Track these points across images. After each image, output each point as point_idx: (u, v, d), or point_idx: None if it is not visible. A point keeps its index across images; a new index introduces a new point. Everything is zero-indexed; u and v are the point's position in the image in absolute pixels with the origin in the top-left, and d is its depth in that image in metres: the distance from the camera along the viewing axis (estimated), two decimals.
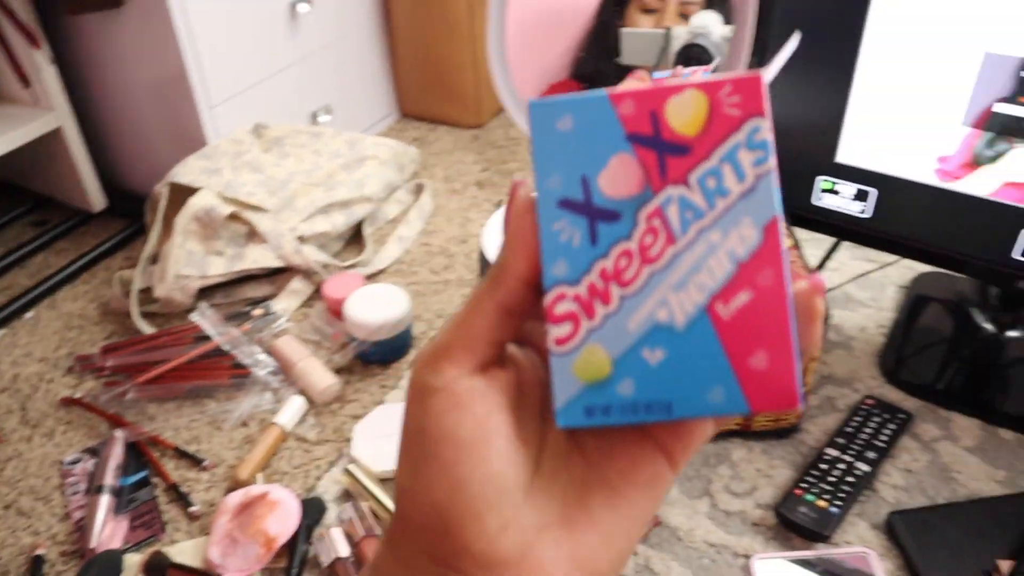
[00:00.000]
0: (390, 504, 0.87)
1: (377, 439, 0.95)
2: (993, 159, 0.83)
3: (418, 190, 1.37)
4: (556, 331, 0.28)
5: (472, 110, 1.55)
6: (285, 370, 1.06)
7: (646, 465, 0.29)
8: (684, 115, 0.27)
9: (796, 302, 0.27)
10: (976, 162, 0.84)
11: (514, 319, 0.29)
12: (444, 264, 1.23)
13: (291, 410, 1.00)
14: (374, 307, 1.04)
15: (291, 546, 0.84)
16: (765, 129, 0.27)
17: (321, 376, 1.03)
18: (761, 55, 0.91)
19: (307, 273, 1.19)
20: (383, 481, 0.92)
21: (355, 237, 1.31)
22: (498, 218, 0.93)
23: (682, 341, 0.27)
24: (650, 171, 0.27)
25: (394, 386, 1.04)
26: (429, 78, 1.56)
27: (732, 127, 0.27)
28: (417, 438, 0.28)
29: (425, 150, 1.51)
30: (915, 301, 1.10)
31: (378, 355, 1.06)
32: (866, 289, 1.14)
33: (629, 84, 0.28)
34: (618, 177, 0.27)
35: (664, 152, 0.27)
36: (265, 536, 0.85)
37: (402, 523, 0.29)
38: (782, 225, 0.26)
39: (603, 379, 0.27)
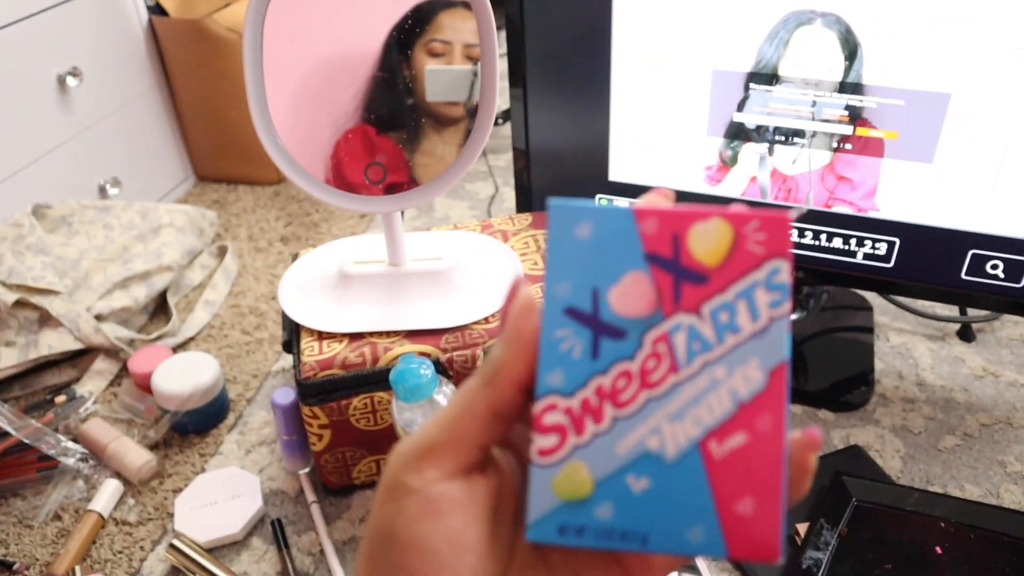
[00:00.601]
0: (221, 574, 0.85)
1: (200, 508, 0.93)
2: (734, 160, 0.93)
3: (221, 252, 1.36)
4: (541, 441, 0.27)
5: (269, 167, 1.54)
6: (97, 454, 1.02)
7: None
8: (706, 244, 0.27)
9: (790, 452, 0.26)
10: (727, 164, 0.94)
11: (502, 423, 0.28)
12: (255, 323, 1.22)
13: (106, 494, 0.96)
14: (182, 376, 1.02)
15: None
16: (786, 272, 0.26)
17: (136, 455, 1.00)
18: (523, 86, 0.98)
19: (111, 352, 1.15)
20: (211, 551, 0.90)
21: (162, 308, 1.27)
22: (294, 272, 0.95)
23: (669, 474, 0.26)
24: (663, 294, 0.27)
25: (214, 453, 1.02)
26: (221, 139, 1.55)
27: (753, 264, 0.26)
28: (385, 541, 0.26)
29: (226, 211, 1.50)
30: None
31: (194, 424, 1.04)
32: None
33: (651, 199, 0.29)
34: (630, 295, 0.27)
35: (681, 278, 0.27)
36: None
37: None
38: (788, 372, 0.26)
39: (582, 499, 0.27)
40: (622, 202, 1.01)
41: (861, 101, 0.85)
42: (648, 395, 0.27)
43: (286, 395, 0.91)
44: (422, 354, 0.83)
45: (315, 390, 0.84)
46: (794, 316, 1.13)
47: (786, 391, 0.26)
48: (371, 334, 0.86)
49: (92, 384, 1.12)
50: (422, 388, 0.75)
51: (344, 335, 0.86)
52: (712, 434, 0.26)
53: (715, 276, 0.27)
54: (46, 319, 1.13)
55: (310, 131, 0.81)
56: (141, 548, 0.93)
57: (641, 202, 0.29)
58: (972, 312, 1.13)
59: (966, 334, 1.12)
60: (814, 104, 0.87)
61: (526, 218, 1.02)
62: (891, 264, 0.94)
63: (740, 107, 0.89)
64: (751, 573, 0.83)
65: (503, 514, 0.29)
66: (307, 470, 0.97)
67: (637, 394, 0.27)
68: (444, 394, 0.79)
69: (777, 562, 0.27)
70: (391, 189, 0.85)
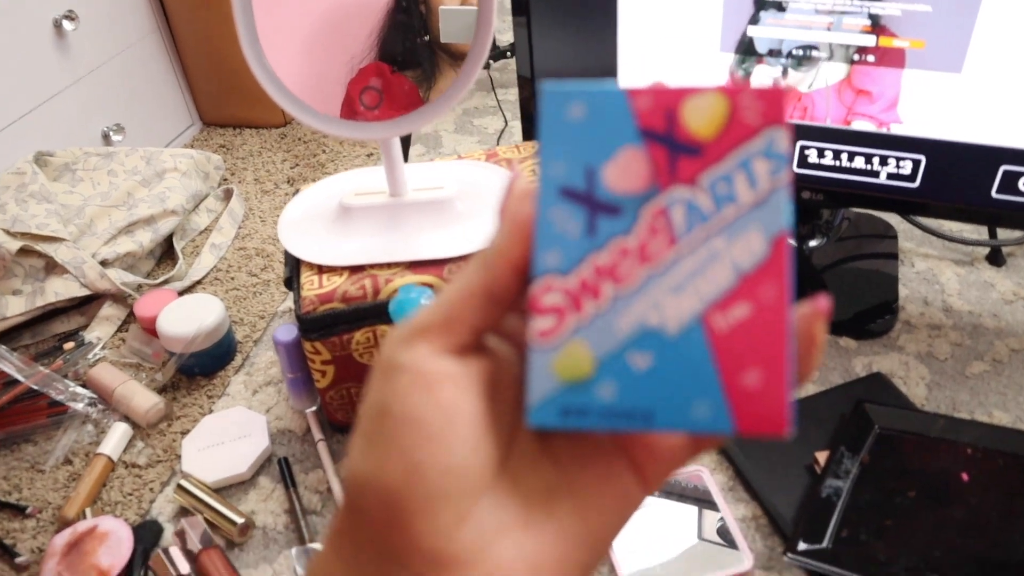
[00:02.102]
0: (228, 513, 0.84)
1: (207, 449, 0.92)
2: (746, 78, 0.88)
3: (227, 196, 1.33)
4: (540, 323, 0.26)
5: (274, 109, 1.51)
6: (105, 398, 1.01)
7: (618, 480, 0.27)
8: (702, 117, 0.26)
9: (796, 324, 0.26)
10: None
11: (498, 307, 0.27)
12: (262, 265, 1.20)
13: (115, 438, 0.96)
14: (186, 319, 1.00)
15: (128, 574, 0.81)
16: (784, 140, 0.25)
17: (144, 398, 0.99)
18: (527, 13, 0.93)
19: (117, 297, 1.14)
20: (218, 491, 0.89)
21: (168, 253, 1.26)
22: (293, 207, 0.92)
23: (672, 349, 0.25)
24: (659, 168, 0.26)
25: (221, 395, 1.01)
26: (225, 83, 1.51)
27: (750, 134, 0.26)
28: (377, 418, 0.26)
29: (232, 155, 1.47)
30: None
31: (200, 366, 1.02)
32: None
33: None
34: (625, 171, 0.26)
35: (676, 151, 0.26)
36: (97, 570, 0.81)
37: (348, 512, 0.26)
38: (790, 241, 0.25)
39: (583, 379, 0.26)
40: None
41: (884, 8, 0.80)
42: (647, 270, 0.26)
43: (288, 332, 0.89)
44: (425, 285, 0.80)
45: (316, 325, 0.81)
46: (814, 242, 1.09)
47: (789, 261, 0.25)
48: (372, 266, 0.83)
49: (100, 330, 1.11)
50: None
51: (344, 268, 0.83)
52: (714, 306, 0.25)
53: (711, 148, 0.26)
54: (52, 267, 1.12)
55: (326, 71, 0.78)
56: (151, 490, 0.92)
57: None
58: (1002, 235, 1.08)
59: (996, 258, 1.07)
60: (833, 12, 0.82)
61: (533, 146, 0.98)
62: (916, 184, 0.89)
63: (754, 20, 0.85)
64: (766, 501, 0.81)
65: (500, 399, 0.27)
66: (314, 408, 0.95)
67: (636, 270, 0.26)
68: None
69: (785, 436, 0.25)
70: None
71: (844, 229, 1.11)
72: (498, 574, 0.25)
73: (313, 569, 0.27)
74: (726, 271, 0.25)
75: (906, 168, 0.89)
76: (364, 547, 0.26)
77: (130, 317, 1.14)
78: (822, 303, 0.26)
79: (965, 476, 0.77)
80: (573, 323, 0.26)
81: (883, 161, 0.89)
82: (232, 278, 1.19)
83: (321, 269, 0.84)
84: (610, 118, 0.26)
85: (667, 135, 0.26)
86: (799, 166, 0.92)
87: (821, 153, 0.91)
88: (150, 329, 1.06)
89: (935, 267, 1.08)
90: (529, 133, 1.02)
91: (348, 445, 0.26)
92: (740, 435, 0.25)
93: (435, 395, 0.25)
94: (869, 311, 1.01)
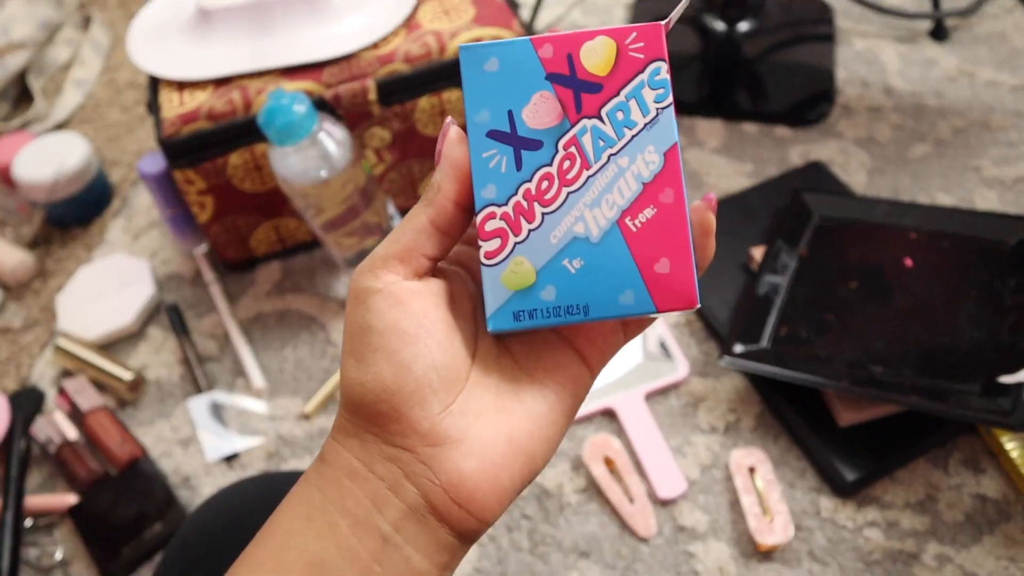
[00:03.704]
0: (114, 370, 0.76)
1: (87, 303, 0.82)
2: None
3: (87, 23, 1.16)
4: (486, 246, 0.31)
5: None
6: None
7: (568, 367, 0.32)
8: (596, 58, 0.31)
9: (693, 217, 0.31)
10: None
11: (446, 238, 0.31)
12: (135, 98, 1.06)
13: None
14: (45, 162, 0.87)
15: (7, 447, 0.73)
16: (665, 71, 0.31)
17: (7, 254, 0.87)
18: None
19: None
20: (105, 348, 0.80)
21: (25, 93, 1.10)
22: (144, 16, 0.78)
23: (597, 251, 0.30)
24: (567, 106, 0.31)
25: (99, 243, 0.90)
26: None
27: (637, 68, 0.31)
28: (361, 334, 0.30)
29: None
30: (639, 18, 1.04)
31: (72, 215, 0.91)
32: (592, 14, 1.08)
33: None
34: (540, 111, 0.31)
35: (579, 90, 0.31)
36: None
37: (351, 413, 0.31)
38: (679, 152, 0.31)
39: (528, 287, 0.31)
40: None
41: None
42: (568, 191, 0.31)
43: (154, 162, 0.77)
44: (302, 92, 0.69)
45: (182, 149, 0.70)
46: (744, 26, 0.99)
47: (680, 167, 0.30)
48: (240, 77, 0.71)
49: None
50: (295, 126, 0.62)
51: (208, 82, 0.71)
52: (626, 212, 0.30)
53: (607, 83, 0.31)
54: None
55: None
56: (29, 355, 0.83)
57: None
58: (946, 6, 0.99)
59: (939, 32, 0.98)
60: None
61: None
62: None
63: None
64: (711, 319, 0.75)
65: (460, 310, 0.32)
66: (203, 248, 0.85)
67: (559, 191, 0.31)
68: (328, 133, 0.66)
69: (695, 308, 0.31)
70: None
71: (775, 13, 1.01)
72: (480, 446, 0.30)
73: (324, 457, 0.31)
74: (632, 183, 0.31)
75: None
76: (368, 438, 0.30)
77: None
78: (710, 196, 0.32)
79: (909, 262, 0.72)
80: (514, 242, 0.31)
81: None
82: (102, 115, 1.05)
83: (181, 85, 0.72)
84: (521, 67, 0.31)
85: (571, 77, 0.31)
86: None
87: None
88: (8, 180, 0.93)
89: (875, 46, 0.99)
90: None
91: (341, 366, 0.31)
92: (660, 312, 0.30)
93: (408, 307, 0.30)
94: (805, 98, 0.93)
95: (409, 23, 0.74)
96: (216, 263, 0.85)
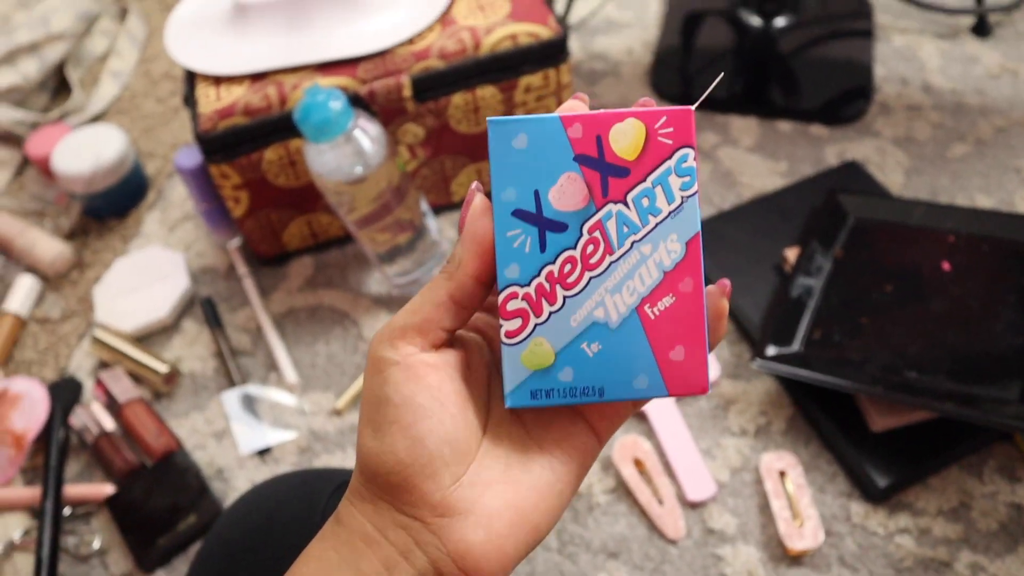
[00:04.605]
0: (150, 362, 0.77)
1: (123, 295, 0.83)
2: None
3: (123, 14, 1.18)
4: (507, 325, 0.31)
5: None
6: (5, 251, 0.91)
7: (577, 437, 0.33)
8: (625, 141, 0.31)
9: (707, 302, 0.32)
10: None
11: (465, 311, 0.32)
12: (171, 90, 1.07)
13: (22, 292, 0.87)
14: (83, 154, 0.88)
15: (47, 437, 0.74)
16: (692, 158, 0.31)
17: (47, 246, 0.89)
18: None
19: (8, 138, 1.01)
20: (140, 340, 0.81)
21: (65, 84, 1.12)
22: (182, 10, 0.79)
23: (615, 337, 0.31)
24: (594, 189, 0.31)
25: (135, 235, 0.91)
26: None
27: (665, 154, 0.31)
28: (379, 406, 0.31)
29: None
30: (674, 12, 1.03)
31: (110, 206, 0.92)
32: (627, 8, 1.07)
33: (571, 104, 0.32)
34: (567, 193, 0.31)
35: (607, 173, 0.31)
36: (12, 436, 0.74)
37: (367, 480, 0.32)
38: (701, 241, 0.31)
39: (547, 367, 0.31)
40: None
41: None
42: (591, 275, 0.31)
43: (191, 156, 0.78)
44: (338, 88, 0.69)
45: (218, 144, 0.71)
46: (781, 21, 0.97)
47: (700, 256, 0.31)
48: (275, 72, 0.72)
49: None
50: (331, 123, 0.63)
51: (244, 77, 0.72)
52: (646, 299, 0.31)
53: (635, 168, 0.31)
54: None
55: None
56: (67, 344, 0.84)
57: (565, 107, 0.32)
58: (989, 1, 0.97)
59: (981, 28, 0.96)
60: None
61: None
62: None
63: None
64: (732, 304, 0.74)
65: (475, 379, 0.33)
66: (237, 242, 0.86)
67: (582, 275, 0.31)
68: (364, 130, 0.66)
69: (706, 393, 0.32)
70: None
71: (813, 7, 1.00)
72: (488, 518, 0.31)
73: (340, 519, 0.33)
74: (653, 270, 0.31)
75: None
76: (382, 505, 0.32)
77: (27, 160, 1.02)
78: (724, 282, 0.32)
79: (947, 265, 0.71)
80: (535, 323, 0.31)
81: None
82: (139, 106, 1.06)
83: (218, 80, 0.72)
84: (549, 145, 0.31)
85: (599, 160, 0.31)
86: None
87: None
88: (47, 171, 0.95)
89: (914, 43, 0.97)
90: None
91: (357, 435, 0.32)
92: (671, 396, 0.31)
93: (424, 381, 0.31)
94: (842, 95, 0.92)
95: (444, 19, 0.74)
96: (249, 257, 0.85)
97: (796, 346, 0.69)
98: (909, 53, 0.96)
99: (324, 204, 0.79)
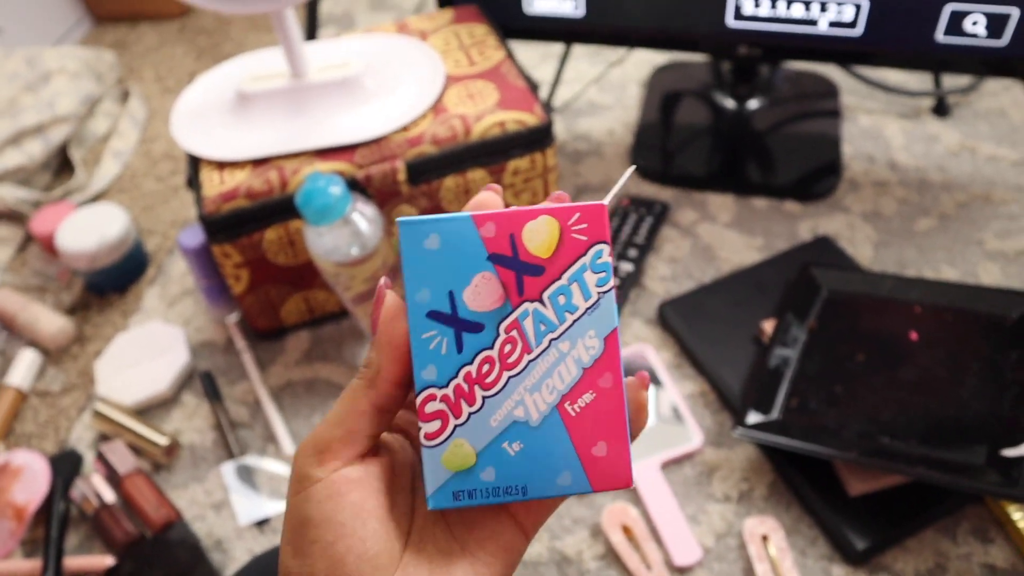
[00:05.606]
0: (150, 435, 0.79)
1: (124, 369, 0.85)
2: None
3: (125, 97, 1.22)
4: (427, 427, 0.31)
5: None
6: (8, 326, 0.93)
7: (502, 535, 0.33)
8: (538, 239, 0.31)
9: (628, 394, 0.32)
10: None
11: (387, 415, 0.32)
12: (170, 169, 1.11)
13: (23, 366, 0.89)
14: (87, 232, 0.92)
15: (47, 509, 0.76)
16: (607, 254, 0.31)
17: (49, 321, 0.91)
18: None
19: (11, 216, 1.05)
20: (140, 413, 0.84)
21: (67, 164, 1.15)
22: (187, 98, 0.83)
23: (536, 435, 0.31)
24: (509, 288, 0.31)
25: (136, 311, 0.94)
26: None
27: (580, 251, 0.31)
28: (301, 524, 0.31)
29: (129, 52, 1.35)
30: (652, 95, 1.09)
31: (111, 282, 0.95)
32: (608, 91, 1.12)
33: (483, 198, 0.33)
34: (481, 293, 0.31)
35: (521, 272, 0.31)
36: (13, 508, 0.76)
37: None
38: (619, 336, 0.31)
39: (468, 468, 0.31)
40: None
41: None
42: (509, 374, 0.31)
43: (194, 236, 0.81)
44: (335, 172, 0.73)
45: (221, 225, 0.74)
46: (754, 103, 1.03)
47: (619, 351, 0.31)
48: (276, 157, 0.76)
49: None
50: (332, 208, 0.66)
51: (247, 162, 0.76)
52: (566, 397, 0.31)
53: (550, 266, 0.31)
54: None
55: None
56: (67, 417, 0.86)
57: (475, 202, 0.32)
58: (948, 84, 1.04)
59: (941, 109, 1.03)
60: None
61: (446, 14, 0.90)
62: (858, 31, 0.84)
63: None
64: (713, 375, 0.78)
65: (399, 485, 0.33)
66: (235, 317, 0.89)
67: (500, 375, 0.31)
68: (362, 214, 0.70)
69: (630, 487, 0.32)
70: None
71: (784, 90, 1.06)
72: None
73: None
74: (572, 367, 0.31)
75: (847, 14, 0.83)
76: None
77: (30, 236, 1.05)
78: (643, 375, 0.33)
79: (914, 335, 0.75)
80: (454, 424, 0.31)
81: (823, 7, 0.83)
82: (138, 185, 1.10)
83: (221, 165, 0.76)
84: (462, 245, 0.31)
85: (512, 258, 0.31)
86: (735, 18, 0.86)
87: (757, 2, 0.84)
88: (50, 248, 0.98)
89: (879, 122, 1.03)
90: (444, 0, 0.93)
91: (280, 553, 0.32)
92: (596, 491, 0.31)
93: (345, 500, 0.31)
94: (813, 173, 0.97)
95: (436, 107, 0.78)
96: (247, 331, 0.88)
97: (775, 414, 0.72)
98: (875, 132, 1.02)
99: (321, 281, 0.82)
